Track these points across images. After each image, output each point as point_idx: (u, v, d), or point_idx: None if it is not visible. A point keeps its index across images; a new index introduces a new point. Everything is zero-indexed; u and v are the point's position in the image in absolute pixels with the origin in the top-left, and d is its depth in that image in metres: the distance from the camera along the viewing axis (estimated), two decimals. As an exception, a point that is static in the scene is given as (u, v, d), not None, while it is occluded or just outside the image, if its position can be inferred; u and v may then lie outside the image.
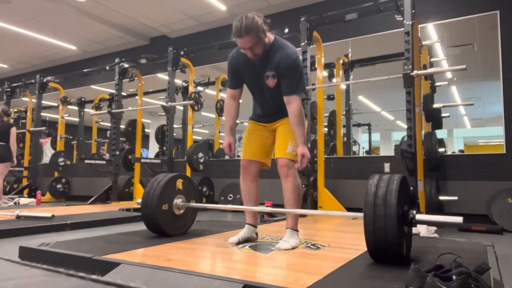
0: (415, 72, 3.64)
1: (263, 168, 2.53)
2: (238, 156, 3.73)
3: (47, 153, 8.76)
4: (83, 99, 9.15)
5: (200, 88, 7.39)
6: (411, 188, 3.18)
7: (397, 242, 1.76)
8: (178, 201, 2.70)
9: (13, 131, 5.56)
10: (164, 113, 5.84)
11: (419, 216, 1.93)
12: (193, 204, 2.80)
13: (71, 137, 8.76)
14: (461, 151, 8.88)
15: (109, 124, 6.91)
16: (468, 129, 10.09)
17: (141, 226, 2.72)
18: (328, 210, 4.15)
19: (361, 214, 1.89)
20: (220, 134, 7.49)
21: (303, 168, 2.22)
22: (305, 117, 2.30)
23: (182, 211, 2.73)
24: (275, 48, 2.27)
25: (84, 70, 7.17)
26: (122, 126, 6.59)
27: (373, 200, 1.83)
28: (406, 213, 1.90)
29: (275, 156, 2.42)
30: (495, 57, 4.75)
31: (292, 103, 2.23)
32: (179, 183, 2.73)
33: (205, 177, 6.08)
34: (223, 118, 5.63)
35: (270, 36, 2.28)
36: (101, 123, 9.11)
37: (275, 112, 2.43)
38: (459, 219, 1.86)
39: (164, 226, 2.60)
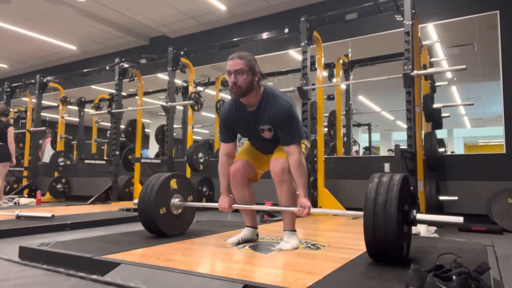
0: (415, 72, 3.64)
1: (252, 181, 2.48)
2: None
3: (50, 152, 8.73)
4: (83, 99, 9.15)
5: (200, 88, 7.39)
6: (411, 188, 3.18)
7: (396, 242, 1.76)
8: (175, 200, 2.69)
9: (11, 130, 5.55)
10: (164, 113, 5.84)
11: (419, 216, 1.92)
12: (191, 203, 2.79)
13: (71, 137, 8.76)
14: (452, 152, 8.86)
15: (109, 124, 6.91)
16: (468, 129, 10.09)
17: (141, 226, 2.72)
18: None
19: (361, 213, 1.89)
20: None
21: (305, 216, 2.21)
22: (306, 168, 2.26)
23: (180, 210, 2.73)
24: (266, 100, 2.23)
25: (84, 70, 7.17)
26: (122, 126, 6.60)
27: (373, 199, 1.82)
28: (407, 213, 1.90)
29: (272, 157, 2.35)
30: (495, 57, 4.75)
31: (293, 154, 2.20)
32: (173, 183, 2.71)
33: (205, 177, 6.08)
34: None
35: (260, 87, 2.25)
36: (101, 123, 9.11)
37: (273, 150, 2.40)
38: (459, 219, 1.85)
39: (164, 229, 2.59)
